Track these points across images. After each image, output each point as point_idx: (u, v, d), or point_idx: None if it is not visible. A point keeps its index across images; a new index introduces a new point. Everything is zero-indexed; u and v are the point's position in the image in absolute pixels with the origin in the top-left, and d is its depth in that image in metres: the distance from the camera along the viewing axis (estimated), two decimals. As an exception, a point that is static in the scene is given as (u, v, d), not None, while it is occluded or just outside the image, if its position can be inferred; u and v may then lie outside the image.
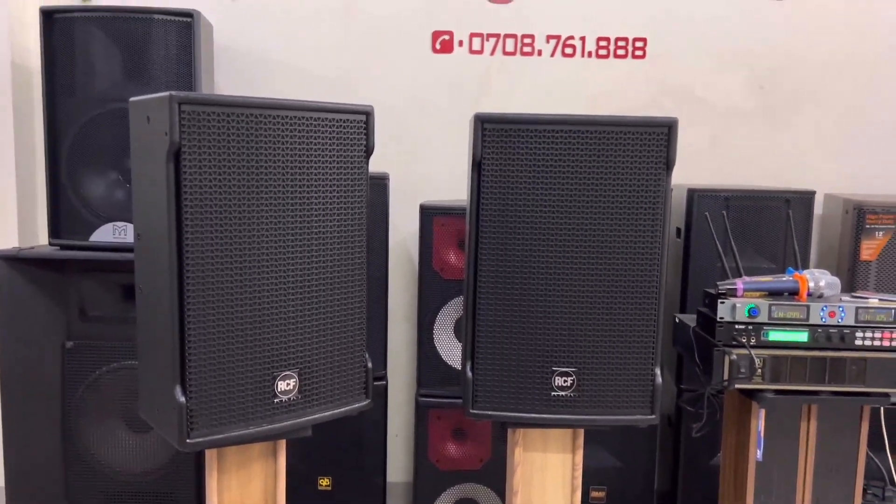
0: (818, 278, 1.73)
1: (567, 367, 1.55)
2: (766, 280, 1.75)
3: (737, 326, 1.69)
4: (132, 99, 1.42)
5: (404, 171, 2.58)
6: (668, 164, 1.51)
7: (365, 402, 1.58)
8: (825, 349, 1.69)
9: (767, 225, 2.33)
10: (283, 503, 1.56)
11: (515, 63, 2.68)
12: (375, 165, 1.62)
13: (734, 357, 1.66)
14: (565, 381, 1.55)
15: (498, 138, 1.51)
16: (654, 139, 1.50)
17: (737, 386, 1.69)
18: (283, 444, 1.55)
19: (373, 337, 1.53)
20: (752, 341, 1.69)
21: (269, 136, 1.37)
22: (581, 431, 1.67)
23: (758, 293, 1.74)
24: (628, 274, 1.53)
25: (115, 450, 2.25)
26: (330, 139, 1.46)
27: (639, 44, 2.67)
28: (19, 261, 2.13)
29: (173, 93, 1.27)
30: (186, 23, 2.23)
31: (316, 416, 1.50)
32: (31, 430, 2.21)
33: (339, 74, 2.66)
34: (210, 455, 1.49)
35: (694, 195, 2.33)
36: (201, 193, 1.32)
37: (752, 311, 1.68)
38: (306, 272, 1.44)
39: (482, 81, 2.69)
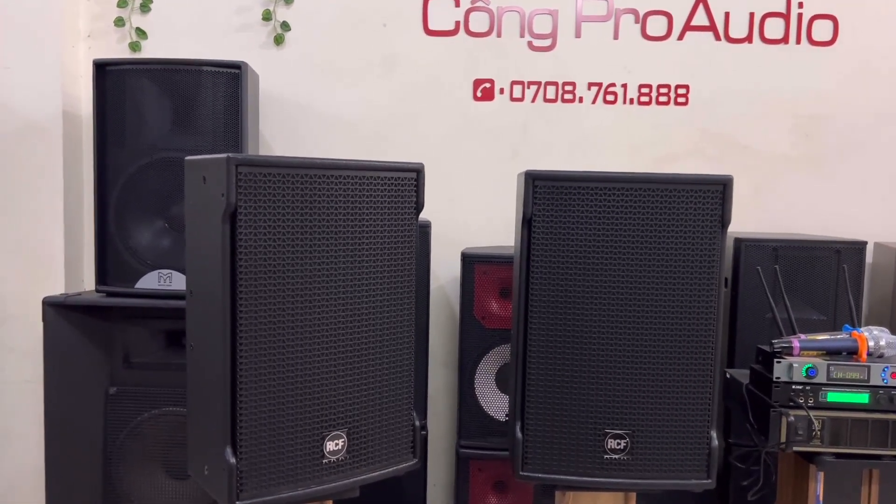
0: (878, 337, 1.68)
1: (620, 430, 1.51)
2: (824, 338, 1.70)
3: (794, 387, 1.64)
4: (188, 158, 1.43)
5: (443, 219, 2.57)
6: (724, 222, 1.49)
7: (413, 462, 1.55)
8: (888, 411, 1.63)
9: (818, 275, 2.28)
10: (328, 564, 1.53)
11: (556, 110, 2.68)
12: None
13: (791, 419, 1.61)
14: (618, 444, 1.51)
15: (549, 195, 1.49)
16: (709, 197, 1.48)
17: (794, 448, 1.63)
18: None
19: (415, 385, 1.52)
20: (810, 402, 1.64)
21: (323, 197, 1.37)
22: (633, 494, 1.62)
23: (815, 352, 1.69)
24: (683, 333, 1.50)
25: (156, 496, 2.24)
26: (381, 197, 1.45)
27: (681, 90, 2.66)
28: (66, 307, 2.15)
29: (230, 155, 1.28)
30: (234, 74, 2.27)
31: (364, 476, 1.47)
32: (73, 475, 2.21)
33: (381, 123, 2.68)
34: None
35: (741, 245, 2.29)
36: (256, 255, 1.32)
37: (811, 372, 1.63)
38: (356, 332, 1.44)
39: (523, 129, 2.68)
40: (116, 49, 2.69)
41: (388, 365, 1.49)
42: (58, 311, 2.15)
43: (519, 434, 1.53)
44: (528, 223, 1.50)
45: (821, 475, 1.68)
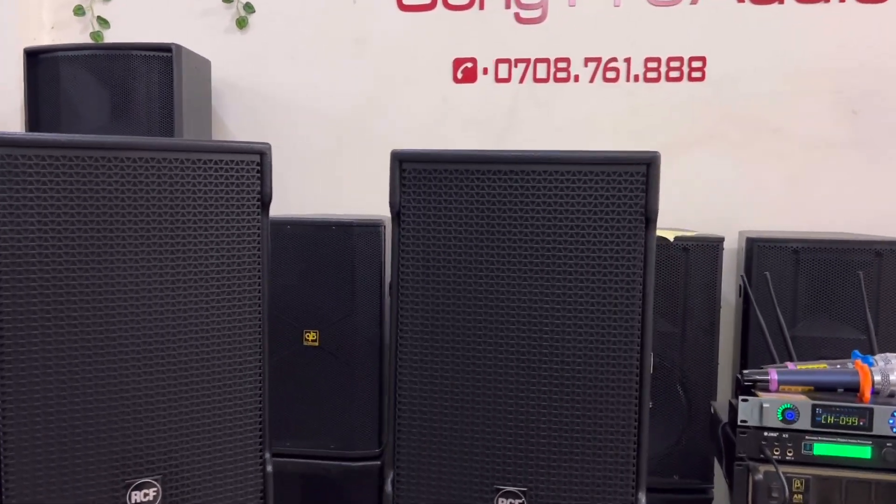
0: (889, 369, 1.25)
1: (514, 486, 1.16)
2: (814, 368, 1.29)
3: (766, 434, 1.24)
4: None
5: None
6: (648, 216, 1.11)
7: (262, 513, 1.25)
8: (897, 472, 1.21)
9: (852, 284, 1.83)
10: None
11: (548, 91, 2.32)
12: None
13: (759, 477, 1.21)
14: (511, 505, 1.16)
15: (420, 181, 1.16)
16: (627, 183, 1.11)
17: (765, 516, 1.23)
18: (158, 564, 1.24)
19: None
20: (789, 455, 1.23)
21: (112, 183, 1.10)
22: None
23: (800, 387, 1.28)
24: (593, 364, 1.13)
25: None
26: (209, 185, 1.17)
27: (696, 63, 2.24)
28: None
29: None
30: (166, 58, 2.05)
31: (189, 533, 1.19)
32: None
33: (353, 110, 2.40)
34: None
35: (754, 246, 1.87)
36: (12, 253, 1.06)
37: (788, 415, 1.23)
38: (163, 357, 1.15)
39: (509, 113, 2.34)
40: (80, 39, 2.53)
41: (220, 397, 1.20)
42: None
43: (388, 487, 1.21)
44: (397, 217, 1.18)
45: (812, 552, 1.26)
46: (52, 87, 2.12)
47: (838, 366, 1.30)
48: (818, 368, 1.29)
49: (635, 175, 1.11)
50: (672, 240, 1.84)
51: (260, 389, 1.24)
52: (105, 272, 1.10)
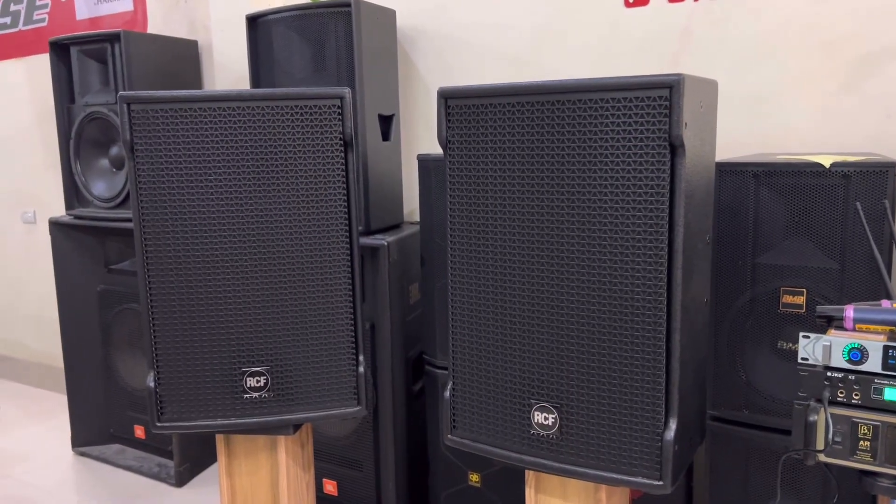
0: None
1: (549, 402, 1.24)
2: (907, 308, 1.15)
3: (830, 374, 1.15)
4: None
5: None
6: (673, 143, 1.09)
7: (356, 409, 1.48)
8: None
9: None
10: (286, 497, 1.55)
11: (724, 7, 2.17)
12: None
13: (813, 418, 1.14)
14: (546, 420, 1.24)
15: (463, 116, 1.25)
16: (649, 109, 1.09)
17: (823, 460, 1.15)
18: (280, 439, 1.53)
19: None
20: (856, 398, 1.13)
21: (221, 130, 1.36)
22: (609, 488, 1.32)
23: (884, 327, 1.15)
24: (624, 297, 1.15)
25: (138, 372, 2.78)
26: (297, 128, 1.38)
27: (902, -41, 1.93)
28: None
29: (122, 93, 1.34)
30: (348, 12, 2.29)
31: (293, 416, 1.45)
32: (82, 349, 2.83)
33: (526, 44, 2.46)
34: (219, 439, 1.55)
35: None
36: (154, 190, 1.36)
37: (853, 355, 1.12)
38: (272, 270, 1.40)
39: (685, 34, 2.23)
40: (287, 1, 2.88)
41: (316, 305, 1.43)
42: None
43: (447, 394, 1.35)
44: (445, 150, 1.29)
45: (892, 504, 1.16)
46: (267, 48, 2.48)
47: (938, 306, 1.14)
48: (910, 308, 1.15)
49: (658, 100, 1.08)
50: (828, 166, 1.67)
51: (351, 303, 1.44)
52: (226, 204, 1.37)
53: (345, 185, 1.39)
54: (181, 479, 2.70)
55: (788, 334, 1.66)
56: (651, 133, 1.09)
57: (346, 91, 1.38)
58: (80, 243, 2.86)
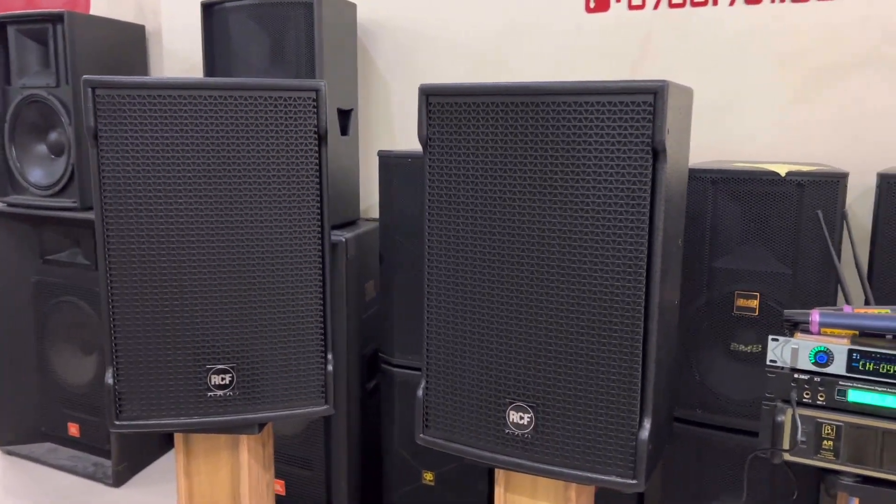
0: (950, 318, 1.13)
1: (524, 402, 1.24)
2: (872, 313, 1.20)
3: (797, 376, 1.19)
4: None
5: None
6: (655, 148, 1.11)
7: (323, 408, 1.45)
8: (939, 427, 1.11)
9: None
10: (247, 498, 1.51)
11: (685, 17, 2.22)
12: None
13: (780, 419, 1.18)
14: (521, 419, 1.25)
15: (444, 114, 1.25)
16: (633, 114, 1.11)
17: (789, 458, 1.19)
18: (242, 438, 1.50)
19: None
20: (821, 400, 1.18)
21: (191, 119, 1.31)
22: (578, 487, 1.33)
23: (846, 331, 1.20)
24: (603, 298, 1.17)
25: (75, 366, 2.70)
26: (272, 119, 1.34)
27: (850, -21, 2.02)
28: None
29: (87, 77, 1.28)
30: (309, 3, 2.25)
31: (259, 414, 1.42)
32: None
33: (488, 44, 2.47)
34: (177, 438, 1.50)
35: (883, 183, 1.71)
36: (118, 179, 1.31)
37: (820, 357, 1.17)
38: (238, 265, 1.37)
39: (645, 41, 2.27)
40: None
41: (286, 302, 1.40)
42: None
43: (419, 393, 1.34)
44: (425, 147, 1.28)
45: (852, 501, 1.21)
46: (223, 37, 2.41)
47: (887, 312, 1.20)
48: (876, 313, 1.20)
49: (642, 105, 1.10)
50: (784, 174, 1.73)
51: (321, 300, 1.41)
52: (194, 197, 1.32)
53: (318, 180, 1.36)
54: (119, 479, 2.61)
55: (742, 336, 1.71)
56: (634, 137, 1.11)
57: (322, 83, 1.35)
58: (13, 232, 2.73)
